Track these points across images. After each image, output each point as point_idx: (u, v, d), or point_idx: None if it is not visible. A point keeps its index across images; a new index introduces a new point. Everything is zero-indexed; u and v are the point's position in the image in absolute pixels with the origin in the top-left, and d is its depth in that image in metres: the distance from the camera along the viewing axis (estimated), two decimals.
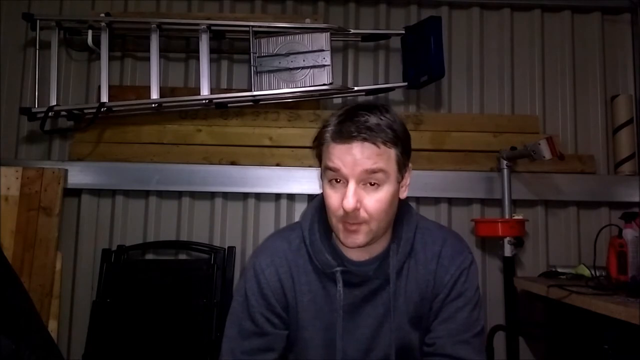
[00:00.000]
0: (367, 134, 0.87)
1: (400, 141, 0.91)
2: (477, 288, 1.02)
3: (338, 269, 0.98)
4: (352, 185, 0.88)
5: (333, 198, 0.91)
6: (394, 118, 0.92)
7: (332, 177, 0.91)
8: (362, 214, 0.89)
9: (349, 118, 0.89)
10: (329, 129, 0.92)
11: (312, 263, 1.01)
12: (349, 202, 0.87)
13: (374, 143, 0.87)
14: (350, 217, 0.89)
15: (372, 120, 0.88)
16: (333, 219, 0.94)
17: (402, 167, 0.92)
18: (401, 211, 1.02)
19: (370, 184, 0.89)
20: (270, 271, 1.02)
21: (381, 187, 0.90)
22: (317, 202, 1.05)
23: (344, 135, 0.88)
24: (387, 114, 0.92)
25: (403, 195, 0.97)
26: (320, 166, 0.95)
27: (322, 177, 0.95)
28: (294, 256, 1.03)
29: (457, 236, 1.07)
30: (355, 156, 0.87)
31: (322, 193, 0.97)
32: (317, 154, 0.96)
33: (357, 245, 0.93)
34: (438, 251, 1.02)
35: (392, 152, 0.90)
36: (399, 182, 0.93)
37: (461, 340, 0.97)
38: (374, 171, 0.88)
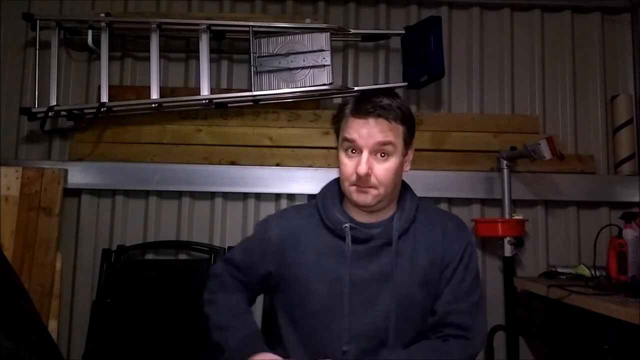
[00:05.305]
0: (381, 111, 1.04)
1: (407, 120, 1.08)
2: (477, 261, 1.16)
3: (347, 224, 1.10)
4: (365, 154, 1.04)
5: (348, 165, 1.07)
6: (402, 102, 1.09)
7: (349, 147, 1.07)
8: (373, 180, 1.05)
9: (366, 98, 1.06)
10: (348, 106, 1.09)
11: (324, 224, 1.14)
12: (363, 168, 1.03)
13: (387, 119, 1.04)
14: (362, 182, 1.05)
15: (385, 101, 1.05)
16: (346, 183, 1.09)
17: (407, 143, 1.09)
18: (405, 191, 1.18)
19: (381, 155, 1.05)
20: (276, 224, 1.19)
21: (389, 158, 1.06)
22: (330, 183, 1.21)
23: (362, 111, 1.05)
24: (398, 98, 1.10)
25: (407, 168, 1.13)
26: (337, 140, 1.12)
27: (339, 148, 1.11)
28: (305, 221, 1.17)
29: (458, 217, 1.21)
30: (370, 129, 1.04)
31: (333, 180, 1.19)
32: (335, 129, 1.13)
33: (366, 204, 1.07)
34: (444, 225, 1.15)
35: (400, 129, 1.07)
36: (404, 155, 1.10)
37: (461, 310, 1.08)
38: (384, 143, 1.04)
